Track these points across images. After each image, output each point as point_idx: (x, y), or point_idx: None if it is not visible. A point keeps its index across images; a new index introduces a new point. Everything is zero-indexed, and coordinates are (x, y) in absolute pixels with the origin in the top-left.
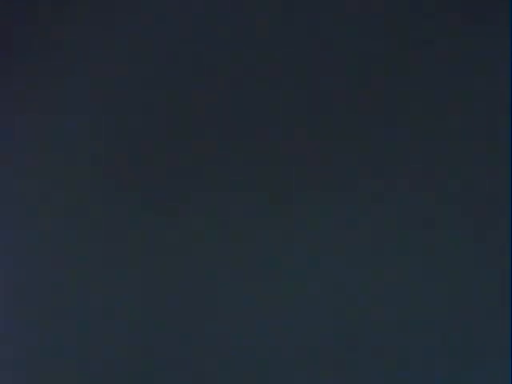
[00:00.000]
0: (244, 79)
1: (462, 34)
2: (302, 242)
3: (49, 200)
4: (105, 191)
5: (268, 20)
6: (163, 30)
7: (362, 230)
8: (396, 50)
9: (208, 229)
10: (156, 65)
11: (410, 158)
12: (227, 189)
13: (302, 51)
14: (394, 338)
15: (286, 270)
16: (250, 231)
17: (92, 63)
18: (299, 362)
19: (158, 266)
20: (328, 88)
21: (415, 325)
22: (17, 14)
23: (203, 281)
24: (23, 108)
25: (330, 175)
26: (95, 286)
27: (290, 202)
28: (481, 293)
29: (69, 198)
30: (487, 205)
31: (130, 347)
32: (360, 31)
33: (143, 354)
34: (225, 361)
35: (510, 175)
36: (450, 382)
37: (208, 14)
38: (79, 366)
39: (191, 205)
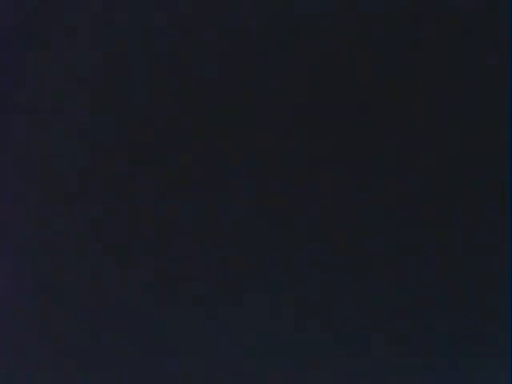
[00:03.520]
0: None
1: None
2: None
3: (49, 196)
4: (104, 190)
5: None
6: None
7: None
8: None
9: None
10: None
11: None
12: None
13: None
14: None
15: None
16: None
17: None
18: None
19: (160, 269)
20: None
21: (414, 326)
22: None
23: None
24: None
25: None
26: (96, 283)
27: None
28: (480, 291)
29: (68, 197)
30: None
31: (129, 346)
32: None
33: (144, 355)
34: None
35: (509, 175)
36: (450, 379)
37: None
38: (79, 366)
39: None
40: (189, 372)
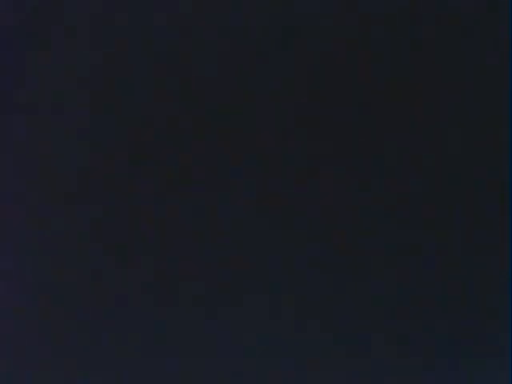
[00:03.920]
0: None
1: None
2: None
3: (49, 196)
4: (104, 190)
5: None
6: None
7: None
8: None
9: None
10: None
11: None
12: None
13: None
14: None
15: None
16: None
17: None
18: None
19: (159, 268)
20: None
21: (413, 326)
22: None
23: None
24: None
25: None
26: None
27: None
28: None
29: (68, 196)
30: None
31: (129, 346)
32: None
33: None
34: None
35: (509, 175)
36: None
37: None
38: (80, 365)
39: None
40: (189, 372)
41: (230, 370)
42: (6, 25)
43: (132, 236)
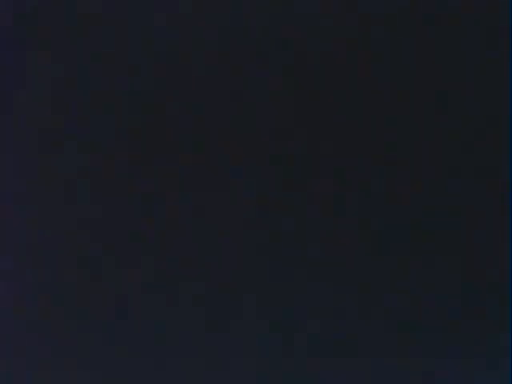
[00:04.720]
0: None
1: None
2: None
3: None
4: (104, 190)
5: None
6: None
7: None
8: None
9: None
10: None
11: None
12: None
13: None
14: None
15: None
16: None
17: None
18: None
19: (160, 270)
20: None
21: (414, 327)
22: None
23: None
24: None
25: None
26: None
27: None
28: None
29: (68, 197)
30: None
31: (129, 346)
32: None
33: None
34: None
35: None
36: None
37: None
38: (80, 366)
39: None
40: (189, 372)
41: (230, 370)
42: (6, 25)
43: (132, 236)
